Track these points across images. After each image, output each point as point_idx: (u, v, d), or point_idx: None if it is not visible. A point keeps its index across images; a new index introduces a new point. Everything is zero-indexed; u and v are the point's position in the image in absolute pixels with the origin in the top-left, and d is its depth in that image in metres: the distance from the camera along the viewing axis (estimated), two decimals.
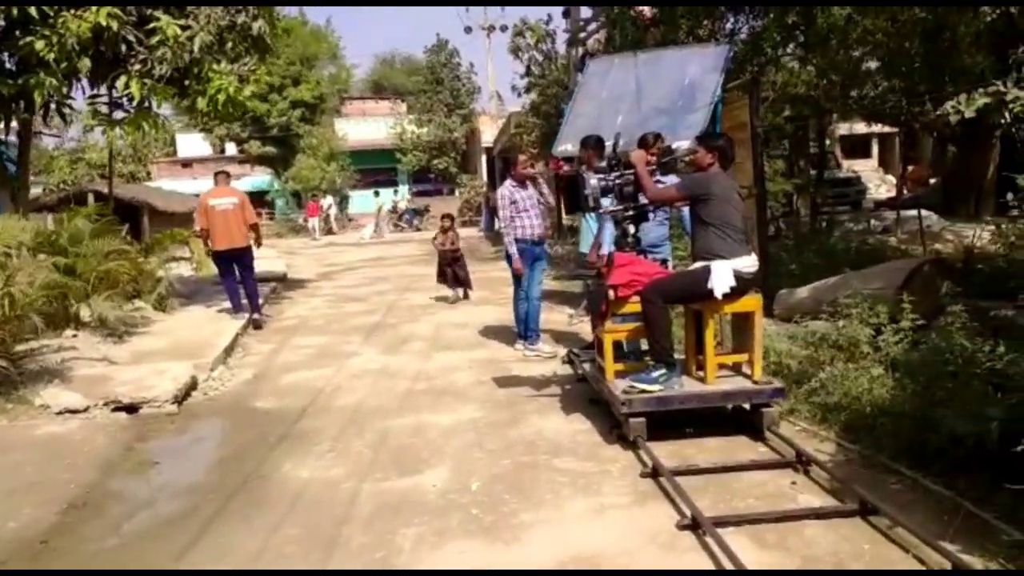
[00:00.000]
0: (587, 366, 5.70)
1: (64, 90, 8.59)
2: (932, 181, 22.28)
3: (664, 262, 5.36)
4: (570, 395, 5.74)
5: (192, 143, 38.97)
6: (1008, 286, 6.07)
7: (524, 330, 7.37)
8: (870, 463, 4.07)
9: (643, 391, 4.52)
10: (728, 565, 3.04)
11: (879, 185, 29.36)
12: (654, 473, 4.04)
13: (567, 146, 7.66)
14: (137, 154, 40.30)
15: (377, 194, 30.93)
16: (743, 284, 4.51)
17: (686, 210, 5.42)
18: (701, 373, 4.79)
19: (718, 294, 4.43)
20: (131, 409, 5.83)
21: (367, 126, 38.09)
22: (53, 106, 9.12)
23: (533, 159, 10.19)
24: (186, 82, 9.29)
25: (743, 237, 4.60)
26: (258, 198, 36.53)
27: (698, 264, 4.58)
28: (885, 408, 4.34)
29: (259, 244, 9.62)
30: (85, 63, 8.50)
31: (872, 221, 16.88)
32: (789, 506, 3.65)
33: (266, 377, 6.91)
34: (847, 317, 5.19)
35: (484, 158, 32.39)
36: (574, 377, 6.09)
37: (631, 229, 5.10)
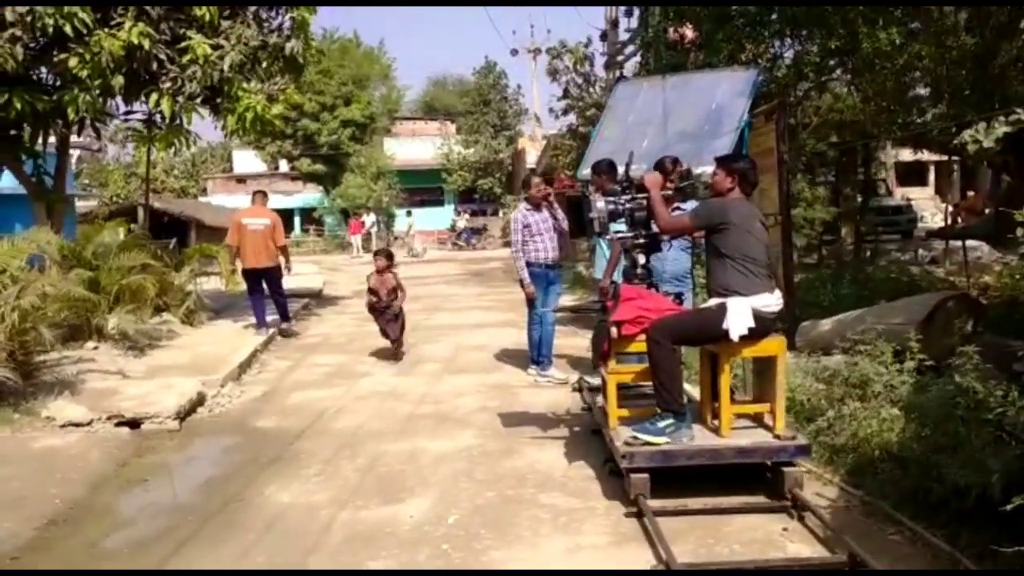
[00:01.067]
0: (591, 395, 5.49)
1: (97, 106, 8.75)
2: (988, 211, 21.56)
3: (679, 296, 4.81)
4: (572, 425, 5.57)
5: (247, 159, 39.80)
6: None
7: (537, 355, 7.23)
8: (871, 511, 3.83)
9: (647, 443, 3.98)
10: None
11: (934, 214, 28.52)
12: (639, 513, 3.86)
13: (590, 170, 7.55)
14: (195, 169, 41.41)
15: (409, 214, 31.40)
16: (764, 325, 3.97)
17: None
18: (716, 422, 4.25)
19: (734, 336, 3.90)
20: (133, 424, 5.84)
21: (416, 146, 38.50)
22: (88, 122, 9.33)
23: (551, 182, 10.04)
24: (217, 100, 9.40)
25: (766, 272, 4.03)
26: (308, 215, 37.27)
27: (713, 301, 4.05)
28: (892, 452, 4.08)
29: (288, 269, 9.86)
30: (118, 80, 8.66)
31: (920, 251, 16.34)
32: (775, 555, 3.43)
33: (275, 395, 6.88)
34: (860, 353, 4.93)
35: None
36: (581, 406, 5.92)
37: (641, 259, 4.65)
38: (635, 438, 4.02)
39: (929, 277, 12.59)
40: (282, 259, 9.53)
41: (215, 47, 9.00)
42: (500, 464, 4.81)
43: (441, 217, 37.48)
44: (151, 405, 6.02)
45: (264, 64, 9.72)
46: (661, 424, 4.03)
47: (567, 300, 12.05)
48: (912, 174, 33.19)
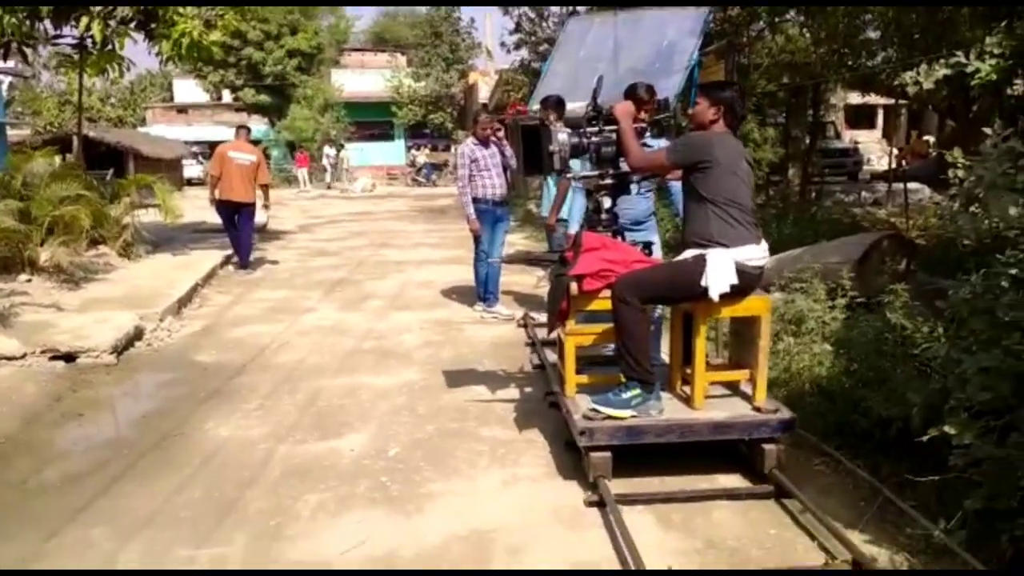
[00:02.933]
0: (543, 348, 5.05)
1: (24, 29, 8.30)
2: (932, 154, 21.98)
3: (648, 246, 4.19)
4: (516, 359, 5.61)
5: (189, 89, 38.42)
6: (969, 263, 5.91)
7: (483, 291, 7.23)
8: (799, 442, 3.94)
9: (609, 417, 3.45)
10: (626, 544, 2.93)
11: (880, 157, 28.96)
12: (600, 502, 3.80)
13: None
14: (134, 98, 39.87)
15: (342, 147, 30.99)
16: (748, 281, 3.43)
17: (676, 184, 4.30)
18: (687, 389, 3.73)
19: (714, 294, 3.35)
20: (68, 358, 5.70)
21: (365, 78, 37.55)
22: (15, 46, 8.87)
23: (502, 119, 9.86)
24: (152, 25, 9.00)
25: (751, 219, 3.47)
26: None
27: (690, 253, 3.46)
28: (822, 386, 4.21)
29: (267, 207, 10.03)
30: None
31: (864, 193, 16.66)
32: (704, 485, 3.53)
33: (215, 330, 6.78)
34: (796, 291, 5.03)
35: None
36: (525, 341, 5.96)
37: (606, 203, 3.97)
38: (596, 411, 3.48)
39: (871, 218, 12.87)
40: (260, 195, 9.62)
41: None
42: (441, 398, 4.83)
43: (391, 152, 36.90)
44: (87, 339, 5.87)
45: None
46: (626, 395, 3.48)
47: (516, 238, 12.06)
48: (861, 117, 33.59)
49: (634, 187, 4.16)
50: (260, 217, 15.12)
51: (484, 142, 7.03)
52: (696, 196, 3.48)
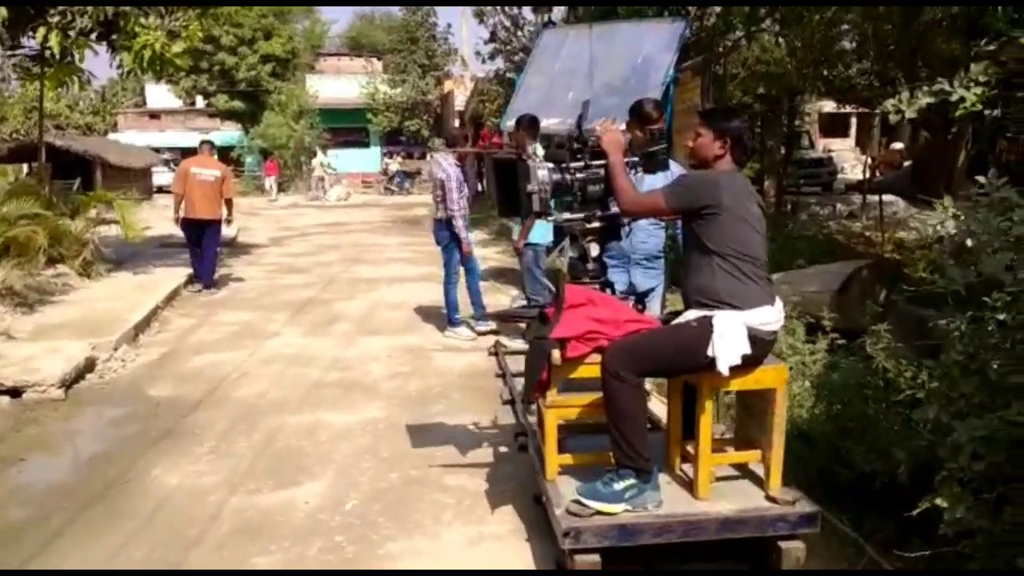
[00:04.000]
0: (513, 387, 4.30)
1: None
2: (907, 164, 22.05)
3: (641, 300, 3.51)
4: (487, 392, 5.39)
5: (161, 94, 37.84)
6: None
7: (454, 315, 7.05)
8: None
9: (599, 512, 2.86)
10: None
11: (854, 165, 29.08)
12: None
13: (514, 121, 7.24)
14: (105, 104, 39.23)
15: (315, 154, 30.65)
16: (762, 349, 2.90)
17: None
18: (688, 469, 3.14)
19: (723, 368, 2.78)
20: (14, 393, 5.42)
21: (340, 84, 37.20)
22: None
23: (479, 131, 9.73)
24: (113, 36, 8.70)
25: (765, 275, 2.93)
26: (225, 154, 35.85)
27: (693, 314, 2.91)
28: (802, 430, 4.03)
29: (230, 221, 9.64)
30: (1, 11, 7.91)
31: (839, 205, 16.63)
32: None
33: (174, 358, 6.50)
34: None
35: (457, 122, 31.75)
36: (496, 372, 5.74)
37: (594, 250, 3.35)
38: (582, 504, 2.88)
39: (846, 231, 12.81)
40: (225, 210, 9.32)
41: None
42: (406, 440, 4.60)
43: (366, 159, 36.56)
44: (34, 372, 5.58)
45: None
46: (618, 486, 2.89)
47: (490, 252, 11.86)
48: (835, 125, 33.77)
49: (624, 230, 3.47)
50: (230, 230, 14.87)
51: (461, 162, 6.92)
52: (699, 246, 2.90)
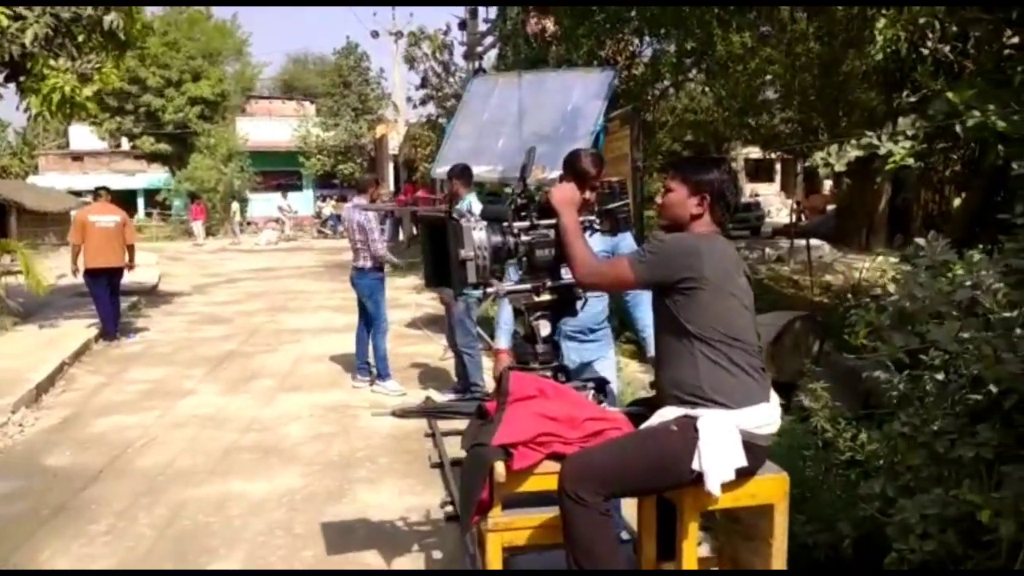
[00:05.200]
0: (443, 449, 4.25)
1: None
2: (831, 208, 22.71)
3: (601, 389, 2.81)
4: (415, 454, 5.12)
5: (86, 136, 36.69)
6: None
7: (385, 368, 6.80)
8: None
9: None
10: None
11: (780, 209, 29.91)
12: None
13: (445, 169, 7.08)
14: (24, 147, 37.90)
15: (233, 198, 30.29)
16: (757, 457, 2.37)
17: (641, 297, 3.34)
18: None
19: (714, 486, 2.25)
20: None
21: (272, 127, 36.79)
22: None
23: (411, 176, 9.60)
24: (20, 78, 8.27)
25: (759, 363, 2.40)
26: (152, 197, 34.83)
27: (670, 413, 2.37)
28: None
29: (131, 267, 9.26)
30: None
31: (768, 249, 16.92)
32: None
33: (76, 422, 6.03)
34: None
35: (391, 165, 31.57)
36: (425, 431, 5.47)
37: (544, 328, 2.73)
38: None
39: (775, 275, 12.97)
40: (126, 257, 9.03)
41: (16, 17, 7.90)
42: (325, 512, 4.29)
43: (299, 202, 36.03)
44: None
45: (80, 39, 8.64)
46: None
47: (424, 299, 11.59)
48: (761, 170, 34.75)
49: (581, 302, 2.79)
50: (150, 277, 14.29)
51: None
52: (676, 328, 2.36)
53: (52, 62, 8.07)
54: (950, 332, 2.31)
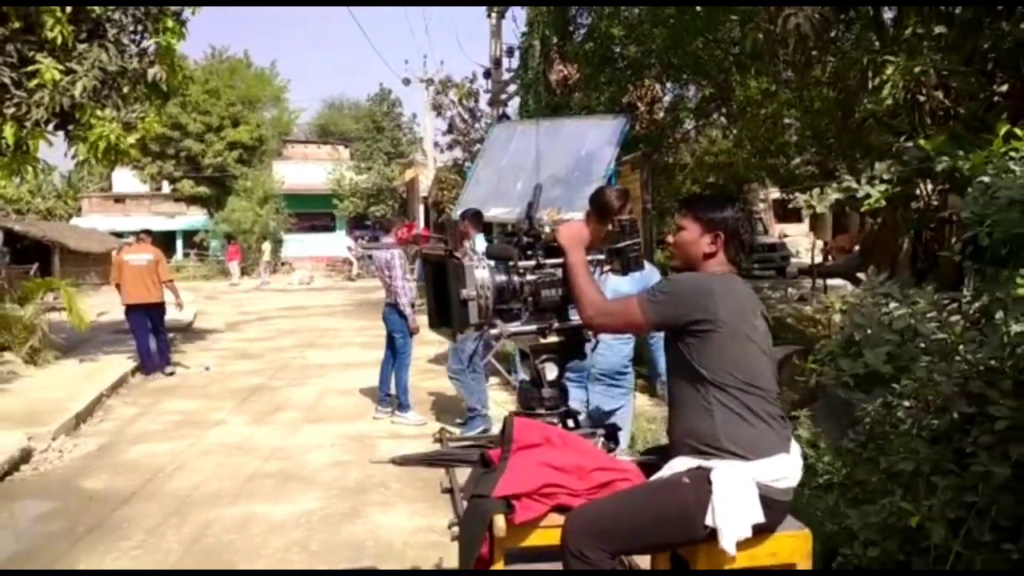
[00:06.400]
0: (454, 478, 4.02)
1: None
2: (856, 249, 22.75)
3: (612, 436, 2.63)
4: (428, 482, 5.36)
5: (128, 179, 37.93)
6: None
7: (402, 399, 7.12)
8: None
9: None
10: None
11: (808, 250, 29.90)
12: None
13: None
14: (68, 189, 39.24)
15: (264, 239, 30.98)
16: (777, 512, 2.19)
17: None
18: None
19: (728, 543, 2.08)
20: None
21: (307, 170, 37.72)
22: None
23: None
24: (69, 127, 8.84)
25: (778, 411, 2.26)
26: (190, 238, 35.84)
27: (682, 464, 2.23)
28: None
29: (179, 305, 10.07)
30: None
31: (790, 289, 17.04)
32: None
33: (111, 449, 6.40)
34: None
35: (422, 207, 32.23)
36: (416, 455, 5.73)
37: (550, 372, 2.55)
38: None
39: (797, 314, 13.09)
40: (170, 294, 9.65)
41: (67, 72, 8.48)
42: (340, 531, 4.57)
43: (332, 243, 36.80)
44: None
45: (125, 90, 9.23)
46: None
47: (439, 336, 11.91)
48: (789, 211, 34.74)
49: (588, 346, 2.66)
50: (186, 315, 14.79)
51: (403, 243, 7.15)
52: (689, 373, 2.24)
53: (99, 112, 8.61)
54: (880, 356, 2.54)
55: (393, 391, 7.19)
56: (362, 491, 5.27)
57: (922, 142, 3.98)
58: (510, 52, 14.47)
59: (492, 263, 2.48)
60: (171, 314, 11.92)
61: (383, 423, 7.08)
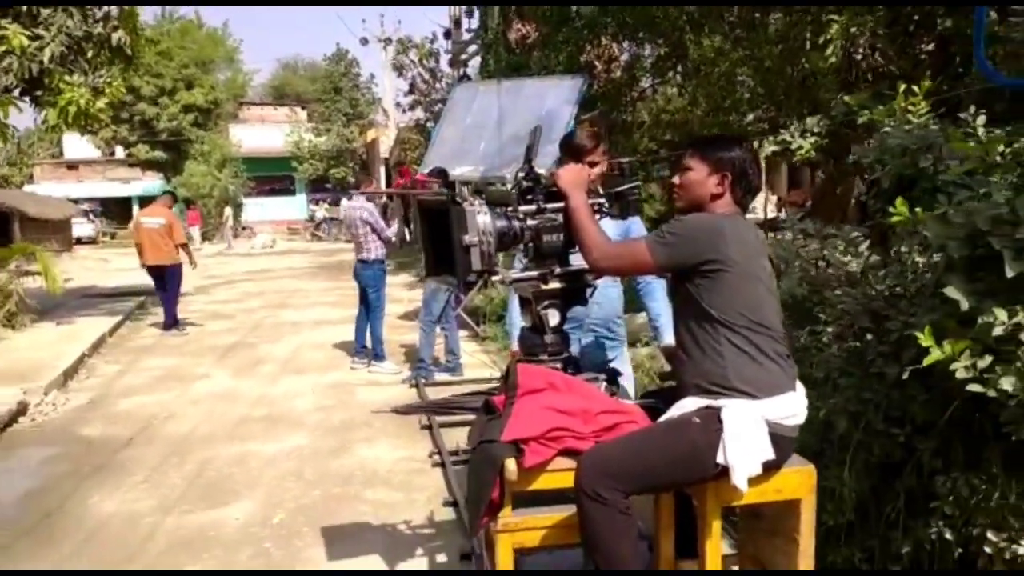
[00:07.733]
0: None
1: None
2: (809, 203, 23.48)
3: (612, 380, 2.71)
4: (407, 421, 5.76)
5: (79, 144, 37.18)
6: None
7: (378, 349, 7.54)
8: None
9: None
10: None
11: (765, 206, 30.67)
12: (455, 502, 4.10)
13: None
14: (20, 156, 38.37)
15: (226, 203, 31.08)
16: (784, 450, 2.26)
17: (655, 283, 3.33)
18: None
19: (740, 480, 2.15)
20: None
21: (264, 133, 37.42)
22: None
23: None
24: (37, 92, 8.96)
25: (785, 350, 2.29)
26: (145, 204, 35.45)
27: (691, 404, 2.25)
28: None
29: (193, 264, 10.50)
30: None
31: None
32: None
33: (102, 402, 6.73)
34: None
35: (383, 168, 32.29)
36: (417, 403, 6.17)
37: (552, 318, 2.57)
38: None
39: None
40: (184, 255, 10.06)
41: (34, 37, 8.59)
42: (329, 463, 5.01)
43: (292, 206, 36.74)
44: None
45: (90, 55, 9.35)
46: None
47: (417, 294, 12.30)
48: None
49: (592, 289, 2.63)
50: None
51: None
52: (699, 314, 2.24)
53: (67, 78, 8.76)
54: (794, 281, 3.03)
55: (369, 343, 7.60)
56: (346, 430, 5.71)
57: (847, 98, 4.45)
58: (469, 12, 14.68)
59: (492, 209, 2.45)
60: (137, 277, 12.21)
61: (360, 372, 7.50)
